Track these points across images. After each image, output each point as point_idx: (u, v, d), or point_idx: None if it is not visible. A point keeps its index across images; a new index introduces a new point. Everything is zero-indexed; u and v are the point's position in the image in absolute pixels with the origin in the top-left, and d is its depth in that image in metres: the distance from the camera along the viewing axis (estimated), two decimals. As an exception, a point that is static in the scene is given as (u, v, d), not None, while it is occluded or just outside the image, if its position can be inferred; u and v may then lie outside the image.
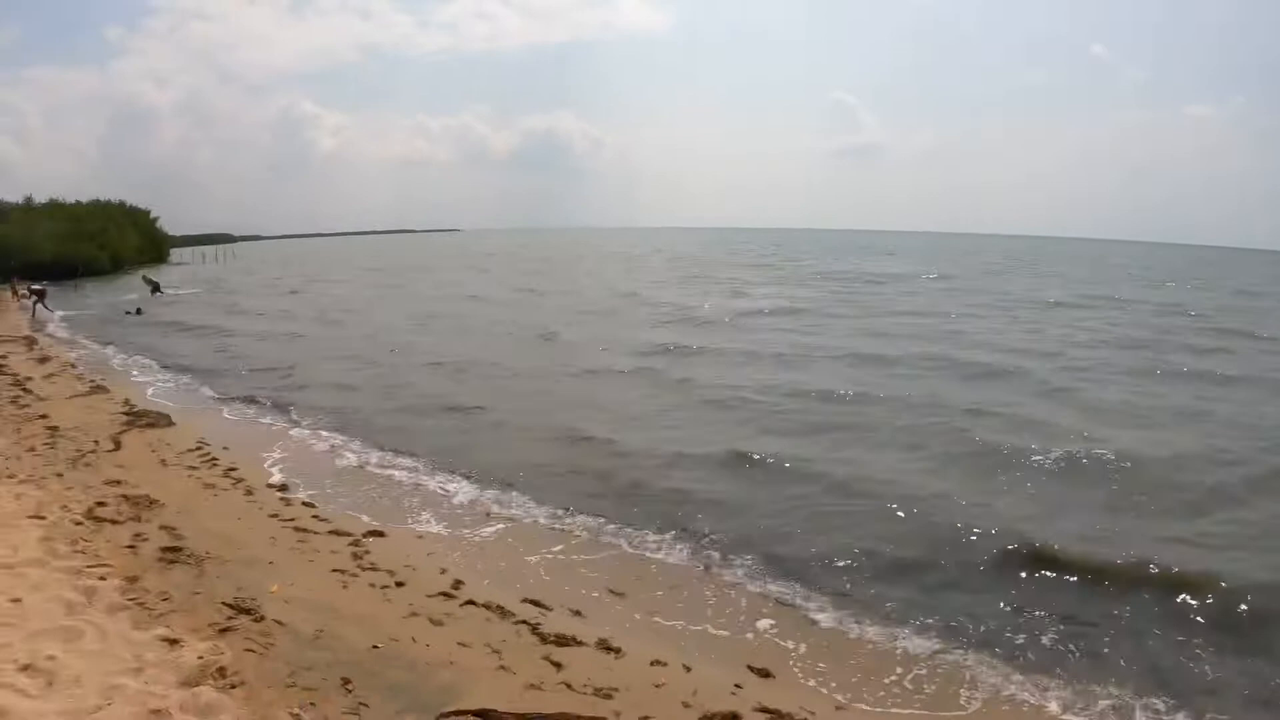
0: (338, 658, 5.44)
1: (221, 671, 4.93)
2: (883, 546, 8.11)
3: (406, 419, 13.86)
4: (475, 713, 4.89)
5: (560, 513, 9.17)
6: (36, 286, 36.60)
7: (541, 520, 9.04)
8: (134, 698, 4.53)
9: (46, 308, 32.87)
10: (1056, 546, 7.92)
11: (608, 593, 7.19)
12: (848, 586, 7.33)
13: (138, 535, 7.62)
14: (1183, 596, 7.05)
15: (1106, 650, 6.24)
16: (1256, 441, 12.12)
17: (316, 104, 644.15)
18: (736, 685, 5.61)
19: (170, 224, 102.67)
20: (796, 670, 5.98)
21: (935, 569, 7.70)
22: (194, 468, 10.70)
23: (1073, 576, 7.46)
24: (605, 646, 6.03)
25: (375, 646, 5.64)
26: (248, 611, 6.02)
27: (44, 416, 12.98)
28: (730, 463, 10.93)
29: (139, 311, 33.60)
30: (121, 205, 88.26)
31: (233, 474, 10.44)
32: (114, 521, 7.97)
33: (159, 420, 13.40)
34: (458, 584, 7.10)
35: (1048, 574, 7.50)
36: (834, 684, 5.78)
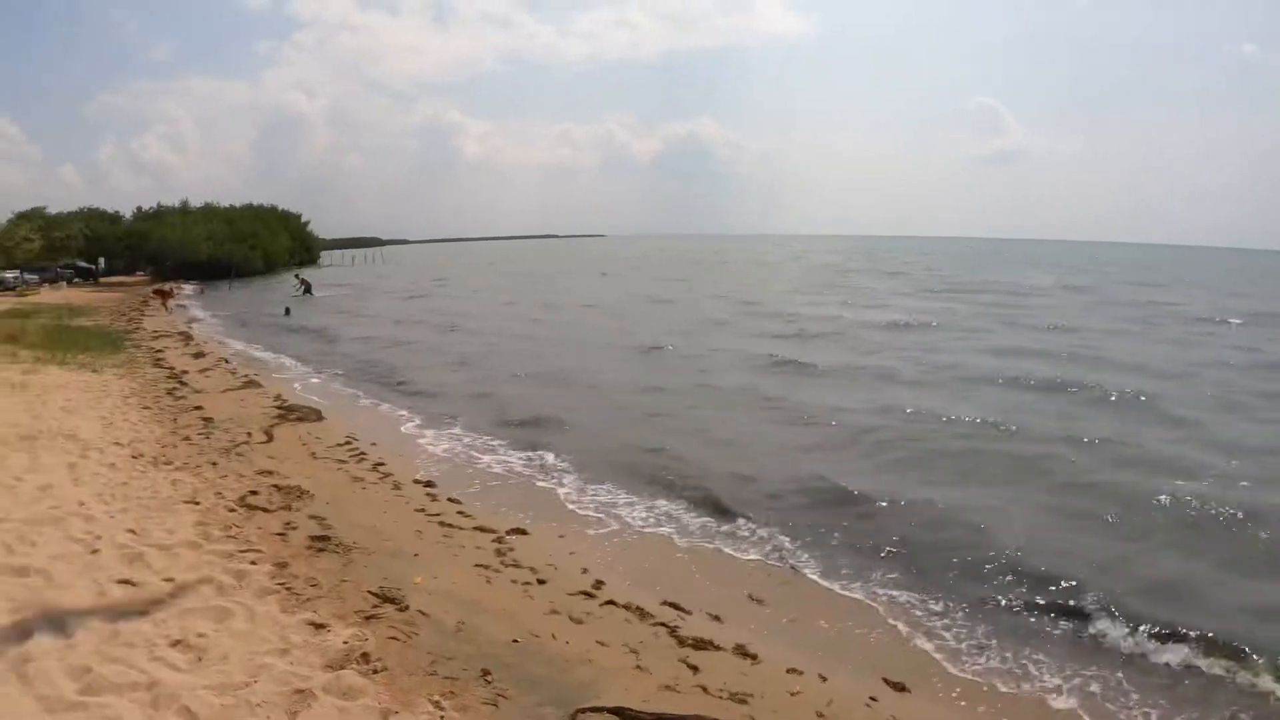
0: (478, 650, 5.83)
1: (365, 657, 5.30)
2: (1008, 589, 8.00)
3: (548, 423, 14.59)
4: (611, 710, 5.14)
5: (699, 520, 9.77)
6: (164, 287, 41.71)
7: (684, 527, 9.60)
8: (280, 677, 4.93)
9: (166, 309, 36.95)
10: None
11: (747, 599, 7.63)
12: (979, 614, 7.49)
13: (288, 524, 8.37)
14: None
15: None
16: None
17: (461, 112, 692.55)
18: (871, 698, 5.90)
19: (319, 227, 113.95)
20: (936, 684, 6.26)
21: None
22: (343, 461, 11.69)
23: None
24: (742, 652, 6.37)
25: (515, 641, 6.06)
26: (392, 601, 6.48)
27: (199, 408, 14.60)
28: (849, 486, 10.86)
29: (288, 312, 37.28)
30: (274, 209, 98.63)
31: (380, 468, 11.35)
32: (265, 509, 8.80)
33: (309, 415, 14.74)
34: (598, 584, 7.60)
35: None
36: (964, 703, 6.05)
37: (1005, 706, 6.00)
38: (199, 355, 22.91)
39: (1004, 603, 7.59)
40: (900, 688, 6.08)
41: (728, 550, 8.90)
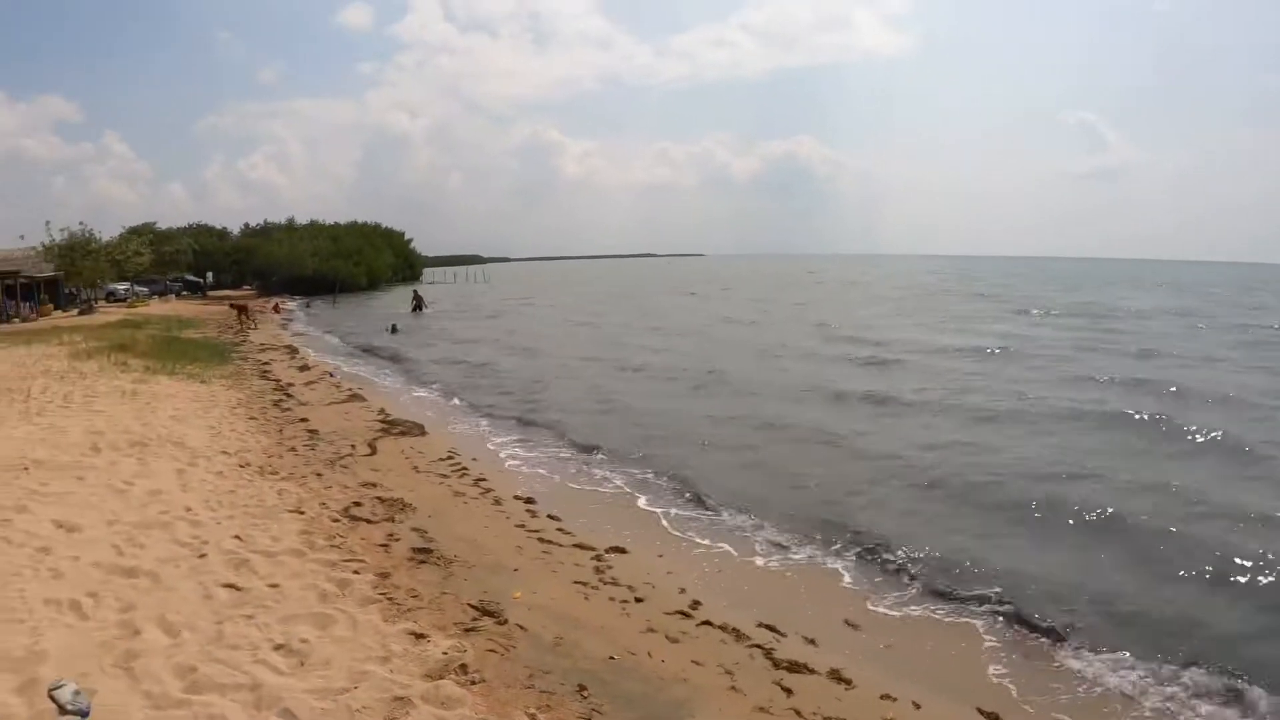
0: (575, 665, 6.10)
1: (464, 668, 5.55)
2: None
3: (644, 445, 14.74)
4: None
5: (793, 544, 9.96)
6: (243, 303, 44.17)
7: (780, 551, 9.78)
8: (379, 684, 5.18)
9: (252, 324, 38.71)
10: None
11: (843, 624, 7.79)
12: (1083, 635, 7.58)
13: (390, 535, 8.79)
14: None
15: None
16: None
17: (560, 132, 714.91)
18: (964, 728, 6.01)
19: (422, 245, 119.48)
20: (1029, 713, 6.34)
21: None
22: (445, 476, 12.14)
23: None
24: (837, 676, 6.57)
25: (611, 658, 6.37)
26: (492, 614, 6.77)
27: (304, 420, 15.45)
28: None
29: (394, 329, 38.86)
30: (377, 226, 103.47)
31: (482, 484, 11.77)
32: (369, 521, 9.26)
33: (412, 429, 15.35)
34: (695, 604, 7.86)
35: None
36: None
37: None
38: (304, 368, 24.18)
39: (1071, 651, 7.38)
40: (994, 718, 6.18)
41: (824, 576, 9.09)
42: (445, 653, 5.72)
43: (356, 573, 7.30)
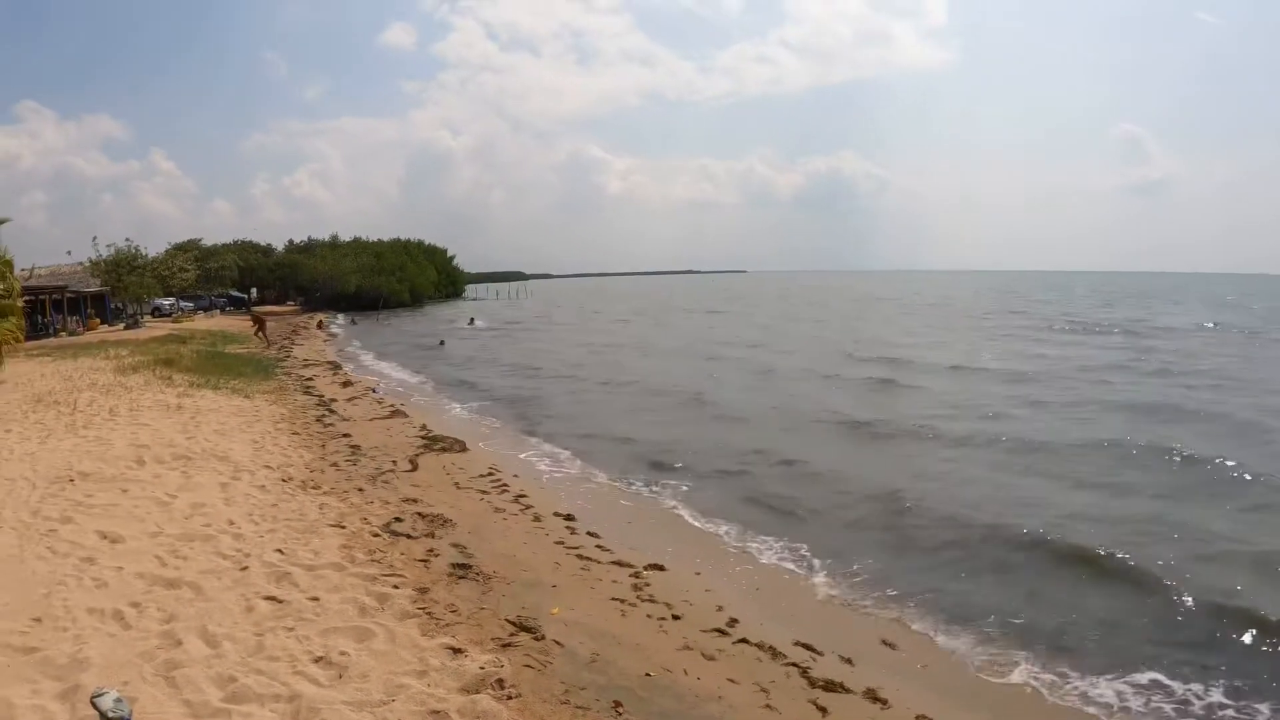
0: (611, 681, 6.17)
1: (500, 683, 5.60)
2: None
3: (682, 464, 14.85)
4: None
5: (830, 562, 10.03)
6: (260, 315, 44.85)
7: (817, 569, 9.87)
8: (416, 697, 5.27)
9: (265, 340, 38.93)
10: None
11: (880, 643, 7.89)
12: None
13: (430, 550, 8.91)
14: None
15: None
16: None
17: (603, 149, 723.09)
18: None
19: (465, 261, 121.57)
20: None
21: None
22: (485, 492, 12.27)
23: None
24: (872, 696, 6.66)
25: (647, 674, 6.45)
26: (529, 630, 6.84)
27: (347, 435, 15.71)
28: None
29: (442, 343, 39.48)
30: (420, 243, 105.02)
31: (522, 500, 11.88)
32: (409, 536, 9.39)
33: (454, 445, 15.53)
34: (732, 622, 7.98)
35: None
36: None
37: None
38: (347, 384, 24.60)
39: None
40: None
41: (861, 596, 9.13)
42: (482, 667, 5.78)
43: (396, 587, 7.41)
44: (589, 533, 10.55)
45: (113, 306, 50.66)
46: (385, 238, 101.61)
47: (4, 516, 8.72)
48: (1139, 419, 18.68)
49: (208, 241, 79.91)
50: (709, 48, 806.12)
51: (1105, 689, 7.08)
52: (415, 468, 13.43)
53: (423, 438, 16.10)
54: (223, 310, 66.29)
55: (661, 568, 9.36)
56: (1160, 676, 7.23)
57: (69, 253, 51.21)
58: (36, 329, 37.50)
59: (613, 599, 8.19)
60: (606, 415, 20.43)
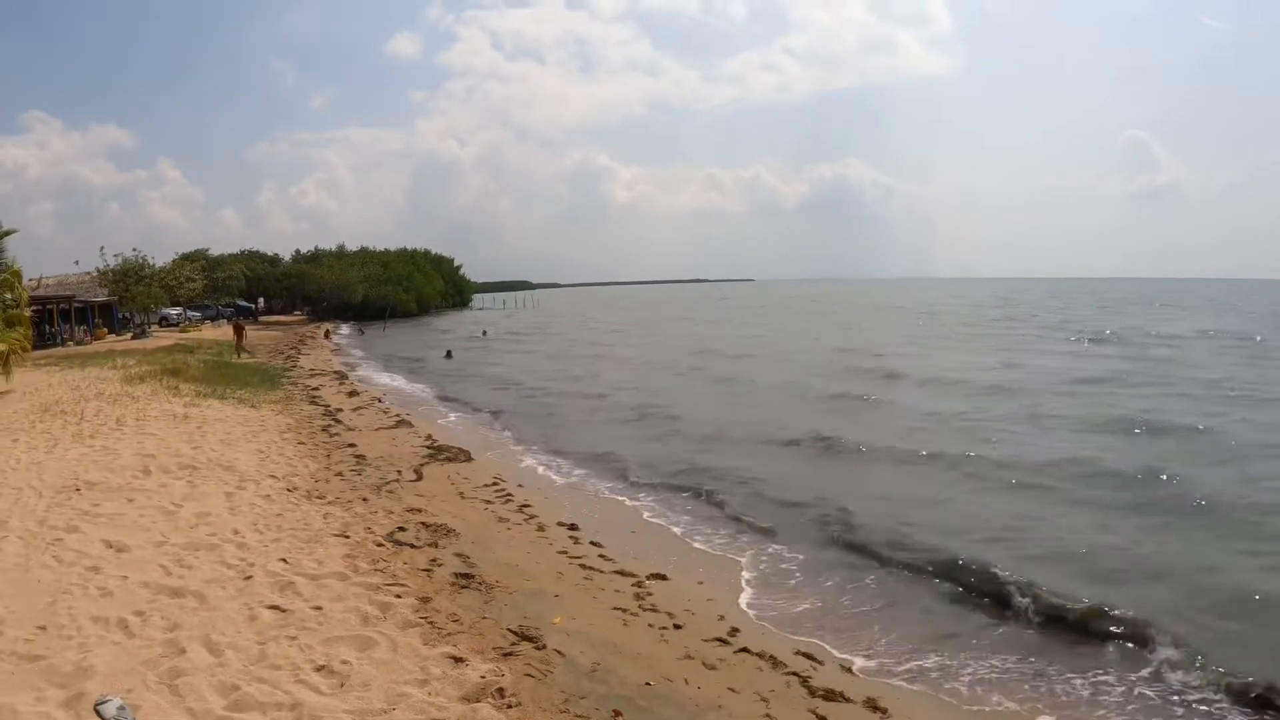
0: (611, 690, 6.19)
1: (500, 692, 5.63)
2: None
3: (689, 473, 14.89)
4: None
5: (834, 569, 10.20)
6: (240, 322, 44.93)
7: (820, 576, 10.00)
8: (417, 706, 5.30)
9: (243, 347, 38.74)
10: None
11: (880, 651, 7.96)
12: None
13: (434, 560, 8.94)
14: None
15: None
16: None
17: (610, 158, 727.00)
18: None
19: (472, 271, 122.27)
20: None
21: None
22: (489, 502, 12.33)
23: None
24: (873, 705, 6.71)
25: (648, 684, 6.47)
26: (530, 639, 6.86)
27: (352, 445, 15.79)
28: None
29: (449, 355, 39.65)
30: (426, 252, 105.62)
31: (526, 510, 11.95)
32: (413, 545, 9.43)
33: (459, 455, 15.60)
34: (734, 631, 8.04)
35: None
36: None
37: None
38: (353, 394, 24.73)
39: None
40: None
41: (864, 603, 9.22)
42: (483, 676, 5.81)
43: (399, 597, 7.45)
44: (592, 542, 10.62)
45: (120, 316, 50.98)
46: (392, 247, 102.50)
47: (10, 525, 8.80)
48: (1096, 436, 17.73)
49: (215, 251, 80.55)
50: (714, 56, 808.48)
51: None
52: (420, 477, 13.49)
53: (428, 448, 16.16)
54: (230, 320, 66.63)
55: (664, 577, 9.43)
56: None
57: (76, 262, 51.85)
58: (44, 339, 37.79)
59: (615, 608, 8.23)
60: (609, 427, 20.47)
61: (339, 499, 11.31)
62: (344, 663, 5.88)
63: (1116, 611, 8.39)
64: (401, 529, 10.06)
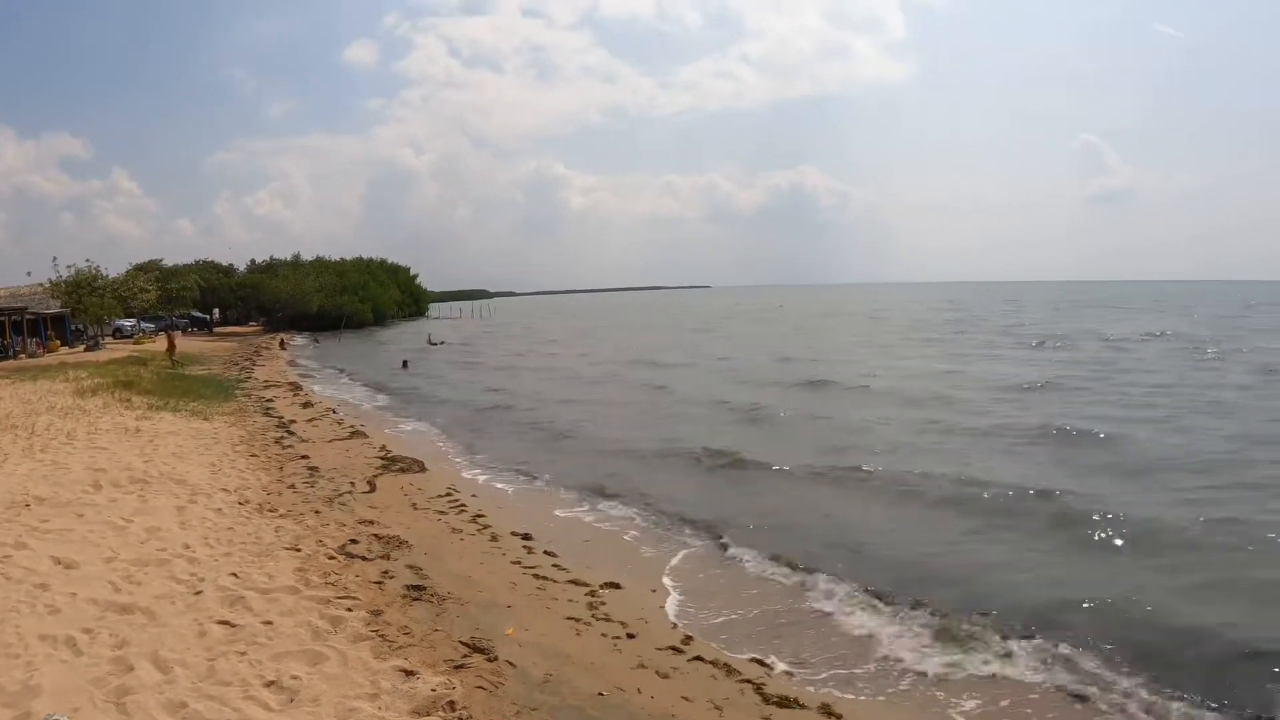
0: (563, 701, 6.19)
1: (451, 705, 5.62)
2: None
3: (650, 484, 14.86)
4: None
5: (786, 576, 10.22)
6: (172, 334, 44.42)
7: (771, 583, 10.06)
8: (367, 720, 5.30)
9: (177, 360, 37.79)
10: None
11: (835, 658, 7.99)
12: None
13: (385, 572, 8.86)
14: None
15: None
16: None
17: (566, 166, 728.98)
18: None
19: (429, 279, 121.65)
20: None
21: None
22: (443, 512, 12.28)
23: None
24: (826, 711, 6.74)
25: (600, 694, 6.46)
26: (482, 651, 6.84)
27: (305, 457, 15.60)
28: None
29: (405, 365, 39.43)
30: (382, 262, 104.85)
31: (479, 520, 11.92)
32: (364, 558, 9.34)
33: (412, 466, 15.51)
34: (687, 639, 8.12)
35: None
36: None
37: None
38: (307, 405, 24.44)
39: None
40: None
41: (815, 608, 9.25)
42: (434, 690, 5.80)
43: (350, 610, 7.39)
44: (546, 552, 10.62)
45: (73, 328, 49.84)
46: (348, 256, 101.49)
47: (-44, 543, 8.59)
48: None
49: (169, 262, 78.95)
50: (670, 63, 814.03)
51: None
52: (373, 489, 13.38)
53: (382, 458, 16.05)
54: (185, 331, 65.44)
55: (618, 586, 9.47)
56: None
57: (29, 273, 50.68)
58: (-5, 351, 36.83)
59: (568, 618, 8.24)
60: (567, 434, 20.53)
61: (291, 512, 11.18)
62: (294, 678, 5.83)
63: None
64: (354, 541, 9.97)
